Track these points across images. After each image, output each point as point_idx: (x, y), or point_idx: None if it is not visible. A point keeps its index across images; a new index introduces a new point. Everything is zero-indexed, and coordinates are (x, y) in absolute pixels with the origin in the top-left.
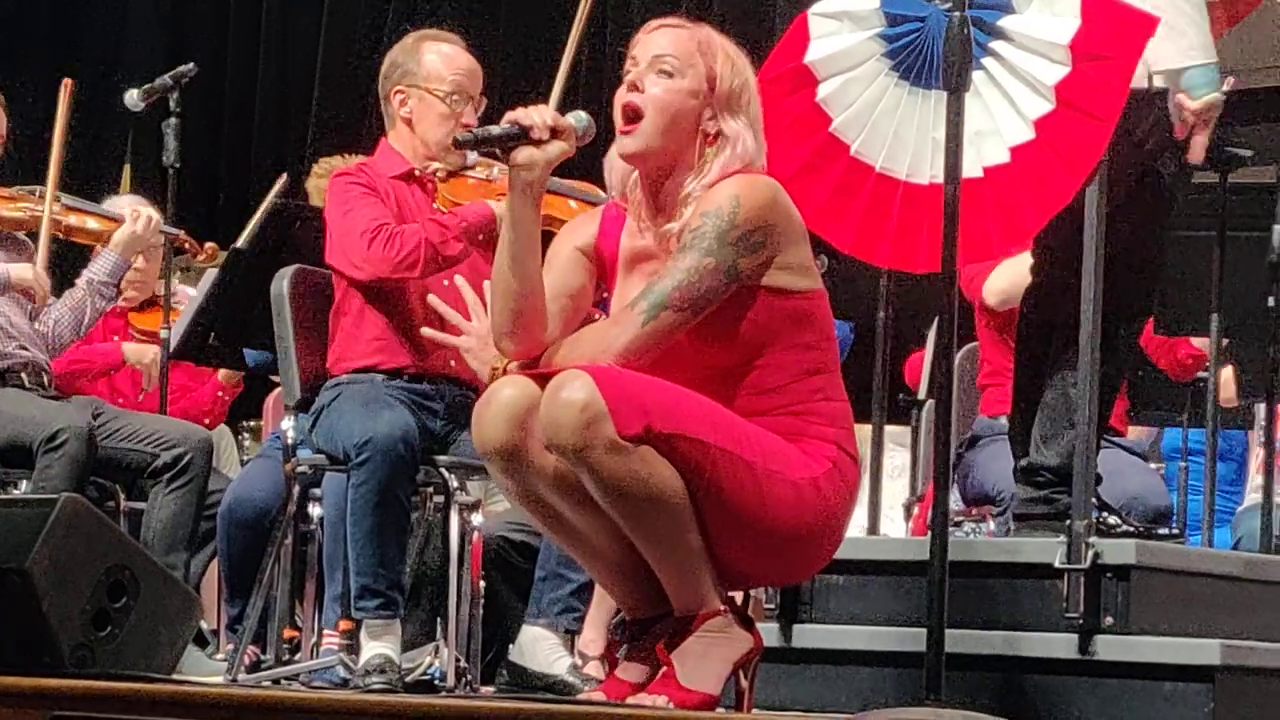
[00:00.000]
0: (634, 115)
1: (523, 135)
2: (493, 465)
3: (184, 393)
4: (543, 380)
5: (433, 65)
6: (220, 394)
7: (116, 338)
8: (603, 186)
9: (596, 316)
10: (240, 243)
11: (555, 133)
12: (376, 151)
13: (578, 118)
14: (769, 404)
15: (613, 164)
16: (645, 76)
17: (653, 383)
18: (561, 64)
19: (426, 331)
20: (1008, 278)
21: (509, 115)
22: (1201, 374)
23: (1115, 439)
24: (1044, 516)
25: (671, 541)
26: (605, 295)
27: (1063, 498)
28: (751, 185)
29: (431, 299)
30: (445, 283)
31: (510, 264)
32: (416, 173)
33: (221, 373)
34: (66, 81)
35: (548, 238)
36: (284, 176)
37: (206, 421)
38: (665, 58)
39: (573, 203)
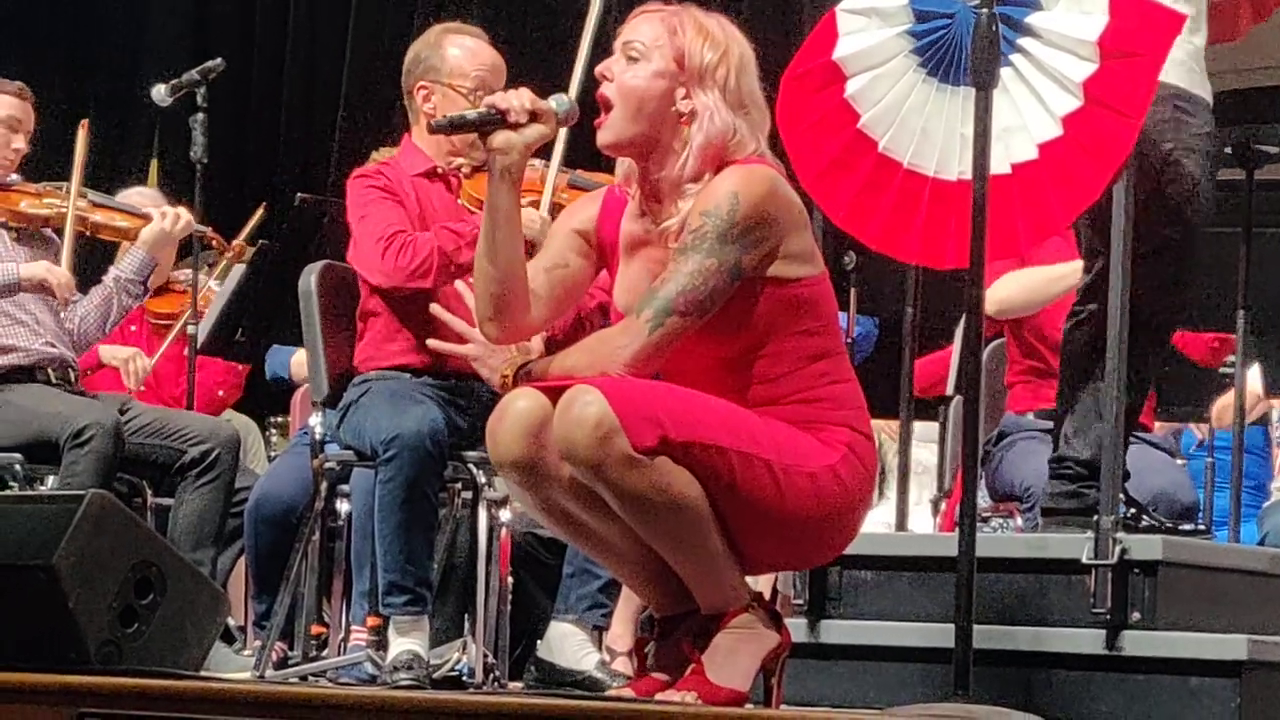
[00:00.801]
0: (605, 106)
1: (499, 119)
2: (509, 478)
3: (196, 369)
4: (554, 393)
5: (455, 60)
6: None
7: (134, 327)
8: None
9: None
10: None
11: (533, 116)
12: (399, 149)
13: (559, 101)
14: (777, 392)
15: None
16: (614, 65)
17: (663, 390)
18: (577, 59)
19: (432, 343)
20: (1009, 288)
21: (486, 99)
22: (1227, 369)
23: (1143, 435)
24: (1071, 511)
25: (694, 546)
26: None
27: (1091, 492)
28: (749, 179)
29: (434, 308)
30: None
31: (489, 248)
32: (440, 169)
33: None
34: (84, 123)
35: None
36: (263, 206)
37: (221, 394)
38: (632, 43)
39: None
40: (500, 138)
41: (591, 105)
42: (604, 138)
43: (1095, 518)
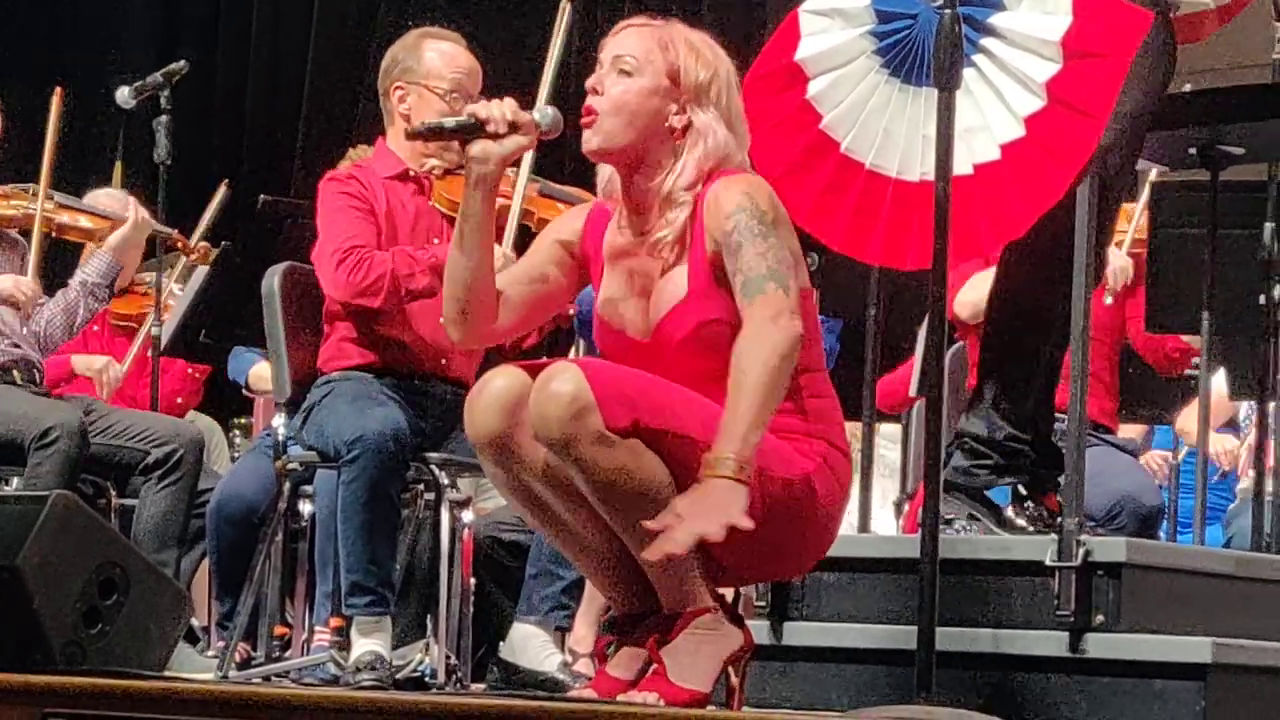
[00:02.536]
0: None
1: (479, 128)
2: (483, 455)
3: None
4: (535, 372)
5: (432, 63)
6: (190, 372)
7: (96, 328)
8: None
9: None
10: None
11: (514, 127)
12: (374, 150)
13: (543, 113)
14: None
15: (600, 164)
16: (606, 78)
17: (642, 377)
18: (545, 71)
19: None
20: (978, 290)
21: (468, 108)
22: (1192, 371)
23: (1106, 437)
24: (958, 488)
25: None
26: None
27: (982, 473)
28: (749, 182)
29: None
30: (435, 240)
31: (460, 255)
32: (412, 172)
33: None
34: (58, 89)
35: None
36: (225, 184)
37: (179, 401)
38: (624, 58)
39: (561, 205)
40: (478, 147)
41: (572, 116)
42: (592, 144)
43: (1059, 519)
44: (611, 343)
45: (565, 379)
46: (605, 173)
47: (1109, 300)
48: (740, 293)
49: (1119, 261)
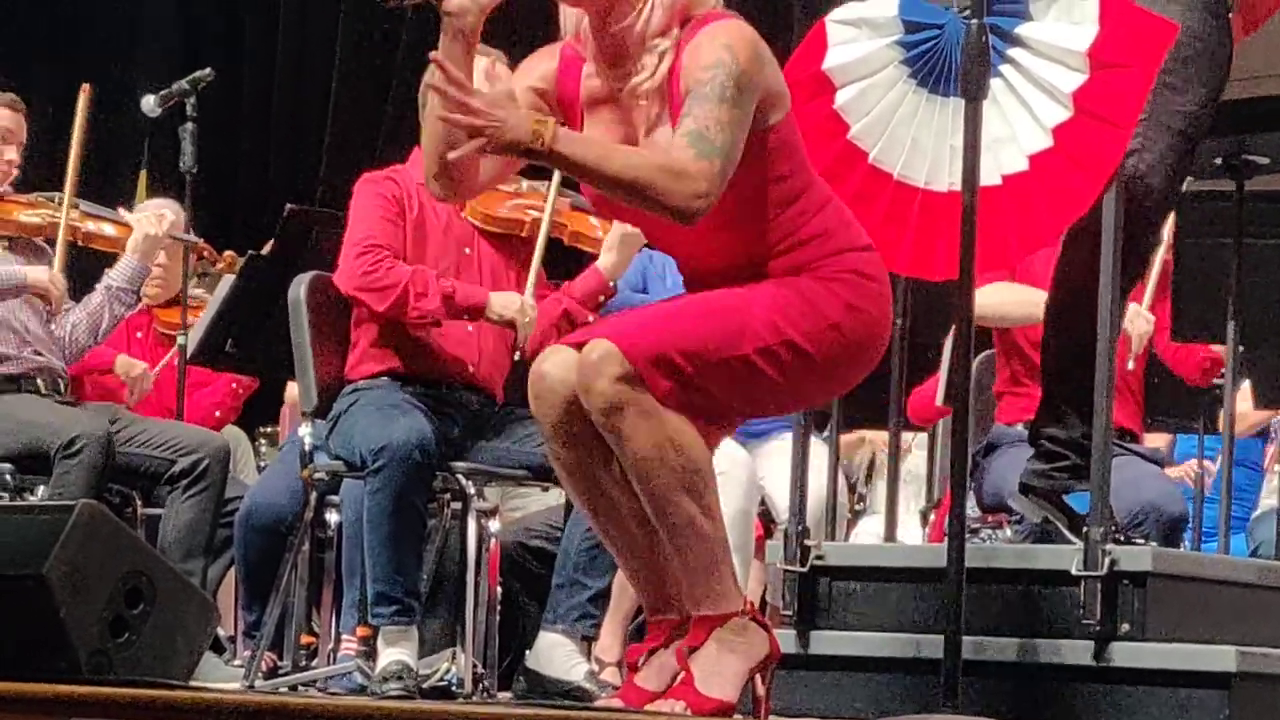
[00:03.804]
0: None
1: None
2: (546, 434)
3: (196, 387)
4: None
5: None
6: (234, 387)
7: (140, 334)
8: None
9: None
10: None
11: None
12: (409, 158)
13: None
14: (766, 246)
15: (563, 6)
16: None
17: (671, 327)
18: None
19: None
20: (993, 296)
21: None
22: (1217, 380)
23: (1131, 445)
24: (1038, 491)
25: (695, 528)
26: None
27: (1060, 476)
28: (733, 31)
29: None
30: (466, 250)
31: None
32: None
33: None
34: (85, 86)
35: (579, 255)
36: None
37: (218, 414)
38: None
39: (594, 219)
40: (456, 1)
41: None
42: None
43: (1085, 529)
44: (598, 199)
45: (603, 351)
46: (570, 15)
47: (1131, 365)
48: (683, 134)
49: (1141, 326)
